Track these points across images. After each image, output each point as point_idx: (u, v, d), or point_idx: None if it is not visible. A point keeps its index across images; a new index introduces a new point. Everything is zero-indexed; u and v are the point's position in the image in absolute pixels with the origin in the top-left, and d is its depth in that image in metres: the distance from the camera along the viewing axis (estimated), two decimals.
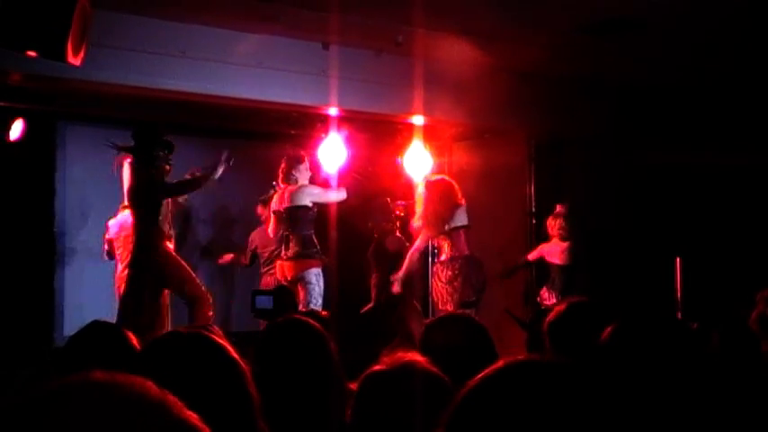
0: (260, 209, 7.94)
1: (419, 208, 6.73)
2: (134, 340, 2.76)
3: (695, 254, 7.37)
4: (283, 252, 6.89)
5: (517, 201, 7.88)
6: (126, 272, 6.31)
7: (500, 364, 1.04)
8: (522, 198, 7.88)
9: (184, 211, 8.03)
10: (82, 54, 4.56)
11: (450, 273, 6.57)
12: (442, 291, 6.53)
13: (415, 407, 1.85)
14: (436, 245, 7.17)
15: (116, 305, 6.68)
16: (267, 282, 7.52)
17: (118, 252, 7.20)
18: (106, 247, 7.43)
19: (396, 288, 6.82)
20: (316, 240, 6.87)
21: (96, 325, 2.83)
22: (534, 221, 7.79)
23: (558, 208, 7.26)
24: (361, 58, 6.69)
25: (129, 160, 6.46)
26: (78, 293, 7.95)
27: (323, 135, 7.29)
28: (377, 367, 2.02)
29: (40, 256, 7.76)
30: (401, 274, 6.76)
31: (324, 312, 5.47)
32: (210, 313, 6.15)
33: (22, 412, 0.77)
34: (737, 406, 2.21)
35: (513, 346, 4.79)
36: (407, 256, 6.79)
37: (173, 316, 6.38)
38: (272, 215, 7.10)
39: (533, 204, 7.85)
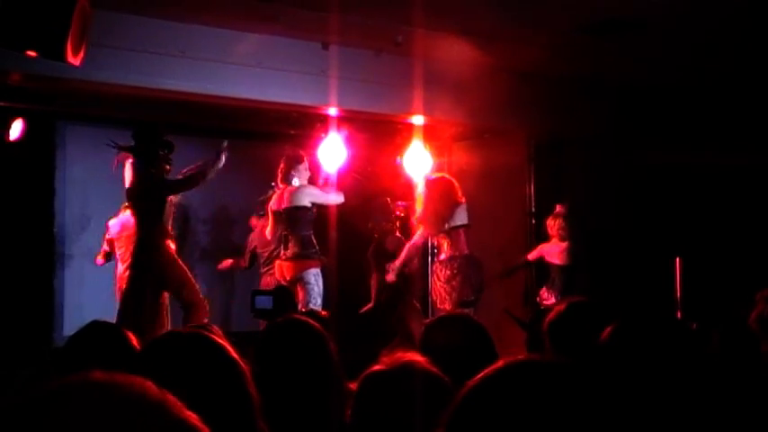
0: (254, 220, 7.91)
1: (419, 206, 6.73)
2: (134, 340, 2.76)
3: (695, 254, 7.37)
4: (282, 252, 6.89)
5: (517, 201, 7.88)
6: (128, 272, 6.30)
7: (500, 364, 1.04)
8: (521, 198, 7.88)
9: (184, 211, 8.03)
10: (82, 54, 4.56)
11: (448, 272, 6.57)
12: (441, 290, 6.53)
13: (414, 407, 1.85)
14: (436, 244, 7.17)
15: (116, 305, 6.68)
16: (267, 282, 7.52)
17: (119, 252, 7.20)
18: (105, 247, 7.42)
19: (390, 277, 6.83)
20: (315, 241, 6.87)
21: (96, 325, 2.83)
22: (534, 221, 7.79)
23: (558, 208, 7.26)
24: (360, 58, 6.69)
25: (131, 160, 6.45)
26: (78, 293, 7.95)
27: (323, 135, 7.29)
28: (376, 367, 2.02)
29: (40, 257, 7.77)
30: (397, 263, 6.77)
31: (323, 312, 5.48)
32: (206, 320, 6.13)
33: (22, 412, 0.77)
34: (737, 406, 2.21)
35: (512, 346, 4.78)
36: (405, 249, 6.80)
37: (172, 316, 6.38)
38: (270, 215, 7.09)
39: (533, 204, 7.85)
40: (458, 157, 8.28)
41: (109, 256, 7.45)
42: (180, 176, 6.48)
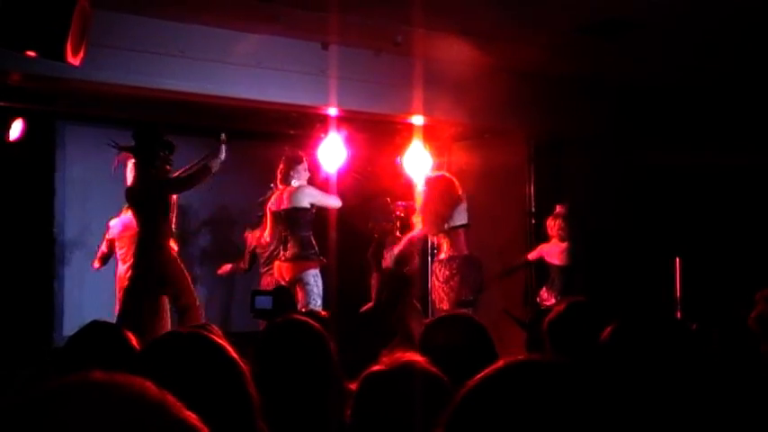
0: (248, 234, 7.83)
1: (419, 205, 6.74)
2: (133, 340, 2.76)
3: (695, 254, 7.36)
4: (282, 253, 6.89)
5: (517, 201, 7.87)
6: (129, 272, 6.27)
7: (500, 364, 1.04)
8: (521, 198, 7.88)
9: (183, 211, 8.03)
10: (81, 54, 4.56)
11: (447, 272, 6.58)
12: (439, 290, 6.54)
13: (414, 407, 1.85)
14: (436, 243, 7.17)
15: (116, 305, 6.68)
16: (266, 282, 7.52)
17: (120, 252, 7.18)
18: (103, 249, 7.40)
19: (386, 263, 6.82)
20: (314, 242, 6.87)
21: (96, 325, 2.82)
22: (534, 221, 7.79)
23: (558, 208, 7.26)
24: (360, 58, 6.69)
25: (133, 160, 6.43)
26: (78, 293, 7.95)
27: (322, 135, 7.29)
28: (376, 367, 2.01)
29: (40, 257, 7.77)
30: (396, 251, 6.76)
31: (323, 312, 5.47)
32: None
33: (21, 412, 0.77)
34: (737, 406, 2.21)
35: (512, 346, 4.78)
36: (404, 239, 6.80)
37: (173, 316, 6.37)
38: (269, 216, 7.08)
39: (533, 204, 7.85)
40: (457, 158, 8.28)
41: (105, 260, 7.42)
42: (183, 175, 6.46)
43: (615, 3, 5.61)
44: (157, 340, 1.94)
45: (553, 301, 6.74)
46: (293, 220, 6.82)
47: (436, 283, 6.59)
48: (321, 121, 7.28)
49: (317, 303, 6.61)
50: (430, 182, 6.72)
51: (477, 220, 6.90)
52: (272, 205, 7.03)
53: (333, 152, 7.21)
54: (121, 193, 6.55)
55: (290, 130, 7.64)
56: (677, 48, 6.53)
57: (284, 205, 6.85)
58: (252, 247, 7.89)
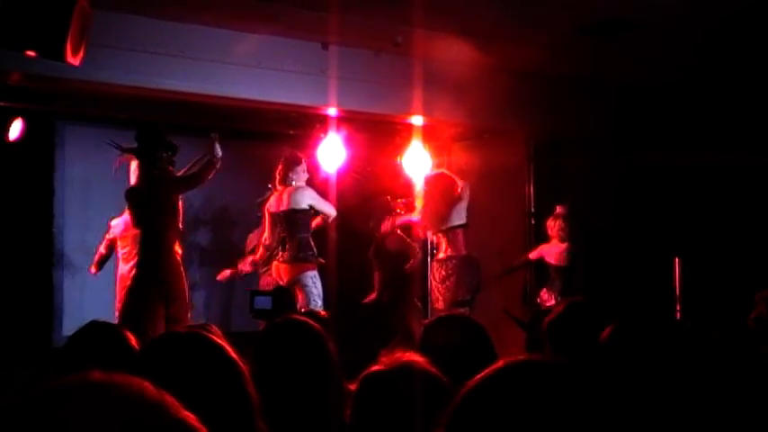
0: (243, 265, 7.71)
1: (419, 204, 6.76)
2: (133, 340, 2.76)
3: (694, 254, 7.37)
4: (280, 254, 6.87)
5: (516, 201, 7.87)
6: (133, 271, 6.23)
7: (500, 364, 1.04)
8: (521, 198, 7.88)
9: (183, 211, 8.01)
10: (81, 54, 4.56)
11: (443, 272, 6.61)
12: (435, 290, 6.57)
13: (413, 407, 1.85)
14: (435, 242, 7.18)
15: (116, 305, 6.67)
16: (266, 282, 7.51)
17: (123, 251, 7.16)
18: (102, 250, 7.37)
19: (385, 227, 7.05)
20: (312, 243, 6.86)
21: (95, 325, 2.82)
22: (533, 222, 7.79)
23: (558, 209, 7.26)
24: (360, 59, 6.69)
25: (136, 161, 6.40)
26: (77, 293, 7.95)
27: (322, 135, 7.29)
28: (376, 367, 2.01)
29: (39, 256, 7.77)
30: (398, 222, 6.93)
31: (323, 312, 5.47)
32: None
33: (20, 412, 0.77)
34: (737, 406, 2.21)
35: (512, 346, 4.79)
36: (405, 218, 6.93)
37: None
38: (268, 217, 7.05)
39: (532, 204, 7.85)
40: (457, 158, 8.28)
41: (102, 264, 7.40)
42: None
43: (615, 3, 5.61)
44: (156, 340, 1.94)
45: (553, 301, 6.75)
46: (292, 221, 6.81)
47: (433, 282, 6.61)
48: (321, 122, 7.28)
49: (317, 304, 6.60)
50: (429, 181, 6.73)
51: (476, 220, 6.91)
52: (270, 206, 7.00)
53: (332, 152, 7.21)
54: (121, 193, 6.53)
55: (289, 131, 7.64)
56: (677, 48, 6.53)
57: (283, 206, 6.84)
58: (252, 246, 7.87)
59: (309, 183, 7.04)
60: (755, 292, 4.80)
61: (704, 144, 7.22)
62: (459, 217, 6.69)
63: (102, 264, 7.39)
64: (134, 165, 6.48)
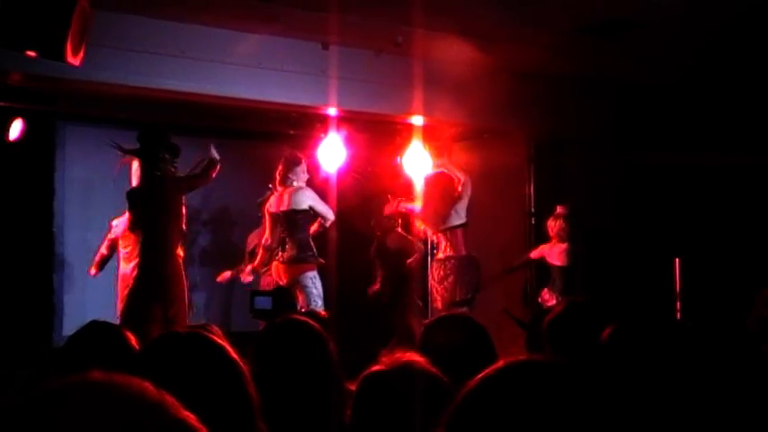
0: (244, 275, 7.59)
1: (420, 203, 6.77)
2: (133, 340, 2.76)
3: (695, 254, 7.36)
4: (280, 255, 6.86)
5: (517, 201, 7.88)
6: (135, 272, 6.22)
7: (500, 364, 1.04)
8: (521, 198, 7.88)
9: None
10: (81, 54, 4.55)
11: (442, 272, 6.62)
12: (433, 289, 6.58)
13: (414, 407, 1.85)
14: (435, 242, 7.19)
15: (116, 304, 6.66)
16: (266, 282, 7.50)
17: (125, 251, 7.14)
18: (103, 251, 7.37)
19: (389, 209, 7.13)
20: (312, 243, 6.85)
21: (95, 325, 2.82)
22: (534, 222, 7.79)
23: (559, 209, 7.26)
24: (360, 59, 6.69)
25: (137, 162, 6.39)
26: (77, 293, 7.95)
27: (322, 135, 7.29)
28: (376, 367, 2.01)
29: (40, 257, 7.77)
30: (401, 207, 6.95)
31: (323, 312, 5.47)
32: None
33: (20, 412, 0.77)
34: (737, 406, 2.20)
35: (512, 347, 4.78)
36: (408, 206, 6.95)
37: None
38: (268, 218, 7.05)
39: (533, 205, 7.85)
40: (457, 158, 8.28)
41: (103, 265, 7.39)
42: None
43: (615, 3, 5.61)
44: (157, 340, 1.94)
45: (555, 301, 6.75)
46: (292, 221, 6.80)
47: (432, 282, 6.62)
48: (321, 122, 7.28)
49: (317, 305, 6.60)
50: (429, 180, 6.73)
51: (477, 220, 6.91)
52: (270, 207, 7.00)
53: (333, 152, 7.21)
54: (122, 193, 6.53)
55: (290, 131, 7.64)
56: (677, 48, 6.53)
57: (284, 207, 6.84)
58: (252, 246, 7.87)
59: (309, 183, 7.04)
60: (756, 293, 4.79)
61: (704, 144, 7.22)
62: (458, 217, 6.69)
63: (102, 265, 7.39)
64: (135, 166, 6.47)
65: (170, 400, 0.80)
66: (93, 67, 5.29)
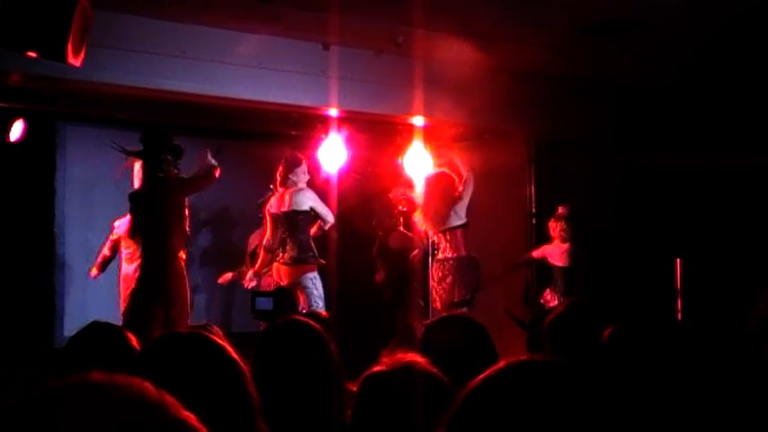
0: (246, 281, 7.56)
1: (420, 203, 6.77)
2: (134, 341, 2.76)
3: (695, 255, 7.36)
4: (280, 255, 6.86)
5: (517, 201, 7.87)
6: (137, 273, 6.21)
7: (501, 364, 1.04)
8: (522, 199, 7.88)
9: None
10: (82, 54, 4.55)
11: (441, 273, 6.62)
12: (433, 290, 6.58)
13: (414, 407, 1.85)
14: (436, 241, 7.18)
15: (118, 305, 6.66)
16: (267, 283, 7.50)
17: (128, 251, 7.14)
18: (105, 252, 7.37)
19: (394, 196, 7.07)
20: (313, 244, 6.85)
21: (96, 326, 2.82)
22: (534, 222, 7.79)
23: (560, 210, 7.26)
24: (361, 59, 6.69)
25: (140, 163, 6.38)
26: (78, 294, 7.96)
27: (323, 136, 7.28)
28: (377, 368, 2.01)
29: (40, 257, 7.77)
30: (403, 195, 6.94)
31: (324, 313, 5.47)
32: None
33: (21, 412, 0.77)
34: (737, 407, 2.20)
35: (512, 347, 4.78)
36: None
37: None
38: (269, 219, 7.04)
39: (533, 205, 7.85)
40: (458, 158, 8.28)
41: (104, 266, 7.39)
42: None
43: (615, 3, 5.60)
44: (157, 340, 1.94)
45: (557, 302, 6.75)
46: (293, 222, 6.80)
47: (432, 282, 6.63)
48: (322, 122, 7.28)
49: (318, 306, 6.60)
50: (430, 180, 6.73)
51: (477, 220, 6.90)
52: (271, 207, 7.00)
53: (333, 153, 7.21)
54: (123, 193, 6.53)
55: (290, 131, 7.63)
56: (677, 48, 6.53)
57: (284, 207, 6.84)
58: (254, 247, 7.86)
59: (310, 184, 7.04)
60: (756, 293, 4.80)
61: (704, 144, 7.21)
62: (458, 217, 6.69)
63: (104, 266, 7.39)
64: (137, 167, 6.46)
65: (170, 400, 0.80)
66: (94, 68, 5.29)
